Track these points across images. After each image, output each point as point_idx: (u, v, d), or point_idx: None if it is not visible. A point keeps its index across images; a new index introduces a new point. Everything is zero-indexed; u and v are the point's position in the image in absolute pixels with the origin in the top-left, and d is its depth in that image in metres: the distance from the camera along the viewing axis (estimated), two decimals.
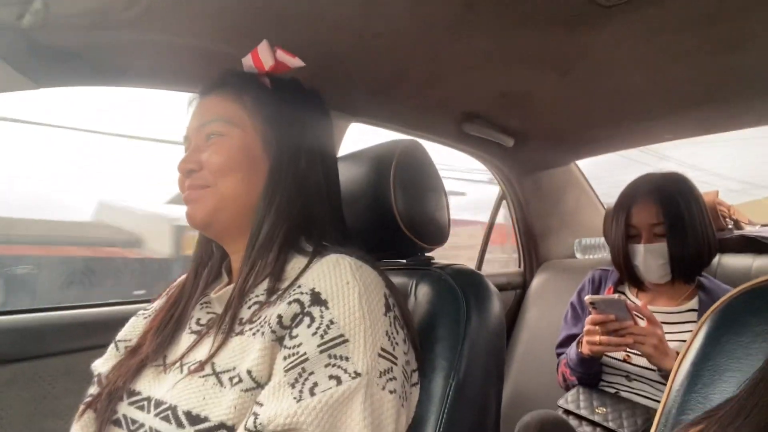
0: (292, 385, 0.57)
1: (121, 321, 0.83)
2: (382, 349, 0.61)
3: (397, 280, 0.80)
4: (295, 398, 0.56)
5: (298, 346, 0.60)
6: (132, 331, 0.81)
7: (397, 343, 0.64)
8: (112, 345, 0.80)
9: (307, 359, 0.58)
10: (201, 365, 0.64)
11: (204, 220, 0.74)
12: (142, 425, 0.65)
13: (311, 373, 0.58)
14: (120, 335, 0.82)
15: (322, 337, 0.59)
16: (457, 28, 0.98)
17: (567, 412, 1.32)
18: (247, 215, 0.74)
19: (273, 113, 0.76)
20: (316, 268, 0.66)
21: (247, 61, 0.78)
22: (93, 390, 0.76)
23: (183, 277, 0.85)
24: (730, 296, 0.51)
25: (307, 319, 0.61)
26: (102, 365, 0.78)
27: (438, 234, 0.92)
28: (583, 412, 1.27)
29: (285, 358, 0.60)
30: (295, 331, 0.61)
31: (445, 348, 0.71)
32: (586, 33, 1.01)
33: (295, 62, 0.79)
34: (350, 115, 1.32)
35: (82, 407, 0.74)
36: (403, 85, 1.22)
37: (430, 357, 0.71)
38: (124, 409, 0.69)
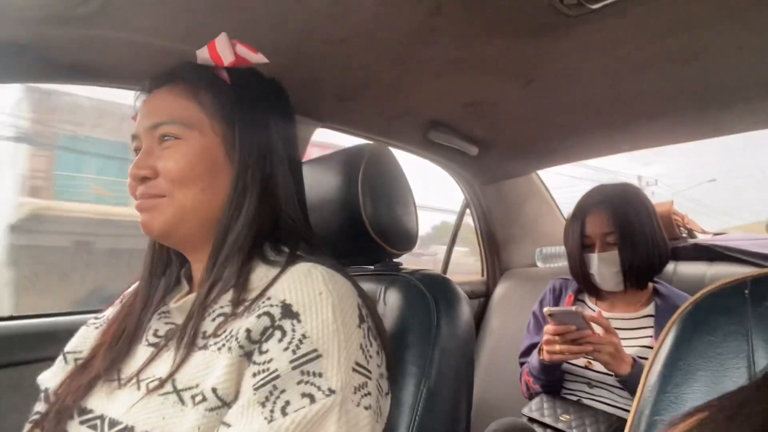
0: (263, 404, 0.54)
1: (70, 332, 0.78)
2: (357, 364, 0.59)
3: (365, 286, 0.79)
4: (266, 418, 0.53)
5: (269, 362, 0.56)
6: (82, 342, 0.75)
7: (371, 356, 0.62)
8: (61, 357, 0.74)
9: (278, 376, 0.55)
10: (161, 383, 0.59)
11: (162, 231, 0.68)
12: None
13: (283, 391, 0.54)
14: (69, 347, 0.75)
15: (294, 352, 0.56)
16: (423, 35, 0.98)
17: (531, 420, 1.32)
18: (211, 224, 0.69)
19: (234, 112, 0.70)
20: (286, 278, 0.62)
21: (203, 54, 0.71)
22: (40, 407, 0.70)
23: (136, 284, 0.79)
24: (697, 297, 0.52)
25: (278, 333, 0.57)
26: (49, 380, 0.72)
27: (406, 239, 0.91)
28: (547, 420, 1.28)
29: (254, 375, 0.56)
30: (265, 346, 0.57)
31: (415, 355, 0.70)
32: (551, 42, 1.03)
33: (257, 58, 0.72)
34: (316, 121, 1.30)
35: (28, 426, 0.68)
36: (369, 91, 1.21)
37: (400, 364, 0.70)
38: (75, 428, 0.63)
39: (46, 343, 0.90)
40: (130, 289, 0.80)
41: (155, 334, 0.70)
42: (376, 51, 1.03)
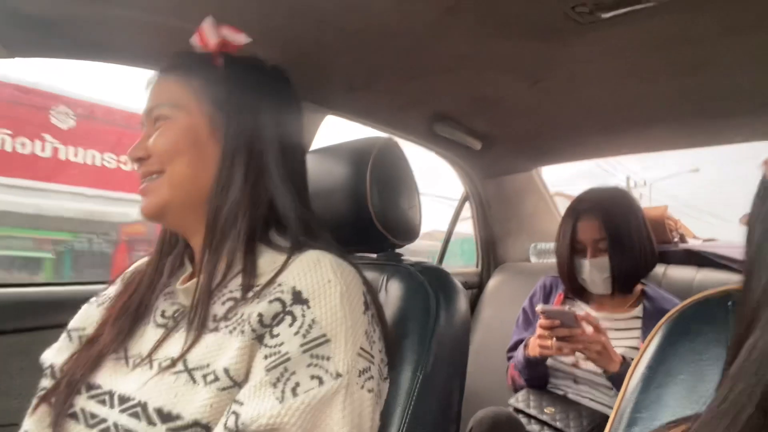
0: (274, 385, 0.57)
1: (76, 301, 0.80)
2: (362, 349, 0.62)
3: (368, 274, 0.82)
4: (277, 398, 0.56)
5: (280, 345, 0.59)
6: (85, 319, 0.77)
7: (374, 341, 0.65)
8: (65, 334, 0.76)
9: (289, 359, 0.58)
10: (173, 362, 0.62)
11: (155, 211, 0.71)
12: (104, 420, 0.62)
13: (293, 373, 0.57)
14: (72, 324, 0.77)
15: (304, 336, 0.59)
16: (437, 31, 1.00)
17: (517, 410, 1.37)
18: (201, 203, 0.71)
19: (222, 95, 0.72)
20: (295, 265, 0.65)
21: (195, 41, 0.74)
22: (46, 383, 0.72)
23: (140, 262, 0.82)
24: (684, 305, 0.55)
25: (288, 318, 0.60)
26: (54, 356, 0.74)
27: (410, 231, 0.94)
28: (532, 411, 1.33)
29: (266, 357, 0.59)
30: (276, 330, 0.60)
31: (414, 342, 0.74)
32: (560, 46, 1.06)
33: (240, 38, 0.74)
34: (326, 108, 1.32)
35: (35, 401, 0.70)
36: (380, 81, 1.23)
37: (399, 351, 0.73)
38: (83, 402, 0.66)
39: (53, 312, 0.93)
40: (131, 268, 0.82)
41: (163, 315, 0.72)
42: (390, 43, 1.05)
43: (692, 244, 1.81)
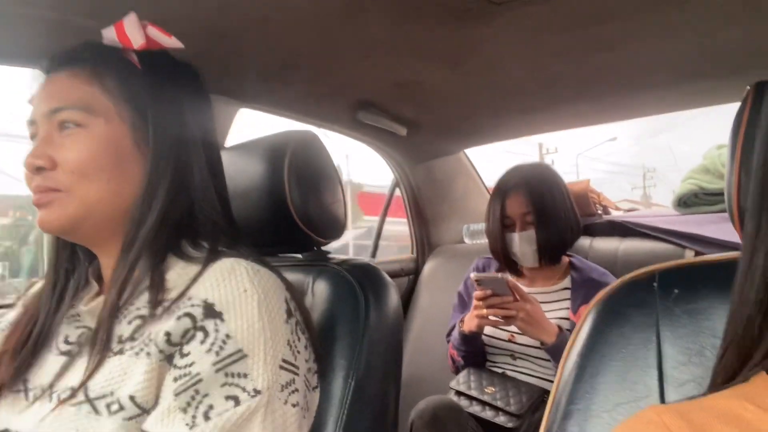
0: (184, 410, 0.52)
1: None
2: (284, 361, 0.57)
3: (293, 276, 0.77)
4: (187, 424, 0.51)
5: (190, 365, 0.53)
6: None
7: (298, 351, 0.61)
8: None
9: (200, 380, 0.53)
10: (72, 392, 0.55)
11: (63, 227, 0.62)
12: None
13: (206, 395, 0.52)
14: None
15: (217, 354, 0.54)
16: (351, 15, 0.96)
17: (458, 393, 1.38)
18: (119, 218, 0.63)
19: (143, 97, 0.64)
20: (208, 276, 0.59)
21: (110, 35, 0.65)
22: None
23: (39, 284, 0.73)
24: (611, 288, 0.55)
25: (200, 335, 0.55)
26: None
27: (334, 227, 0.89)
28: (473, 393, 1.33)
29: (175, 380, 0.53)
30: (186, 349, 0.54)
31: (344, 347, 0.70)
32: (476, 27, 1.04)
33: (172, 42, 0.67)
34: (239, 101, 1.24)
35: None
36: (295, 70, 1.17)
37: (329, 357, 0.70)
38: None
39: None
40: (32, 290, 0.74)
41: (66, 341, 0.64)
42: (301, 30, 0.99)
43: (615, 215, 1.88)
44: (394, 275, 1.95)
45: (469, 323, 1.37)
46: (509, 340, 1.41)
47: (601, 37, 1.10)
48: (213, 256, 0.63)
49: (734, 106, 0.54)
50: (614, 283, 0.55)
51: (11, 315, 0.72)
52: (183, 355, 0.54)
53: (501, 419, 1.25)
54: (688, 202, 1.67)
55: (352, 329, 0.71)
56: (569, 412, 0.49)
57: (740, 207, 0.50)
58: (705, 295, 0.49)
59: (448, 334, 1.60)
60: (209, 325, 0.55)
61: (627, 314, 0.51)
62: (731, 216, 0.52)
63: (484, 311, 1.30)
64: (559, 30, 1.07)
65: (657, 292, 0.51)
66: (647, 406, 0.36)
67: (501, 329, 1.42)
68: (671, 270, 0.52)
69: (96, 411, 0.54)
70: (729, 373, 0.37)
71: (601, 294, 0.55)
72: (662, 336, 0.48)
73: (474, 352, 1.45)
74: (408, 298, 2.07)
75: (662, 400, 0.46)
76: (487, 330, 1.44)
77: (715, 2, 0.97)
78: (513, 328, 1.34)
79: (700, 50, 1.19)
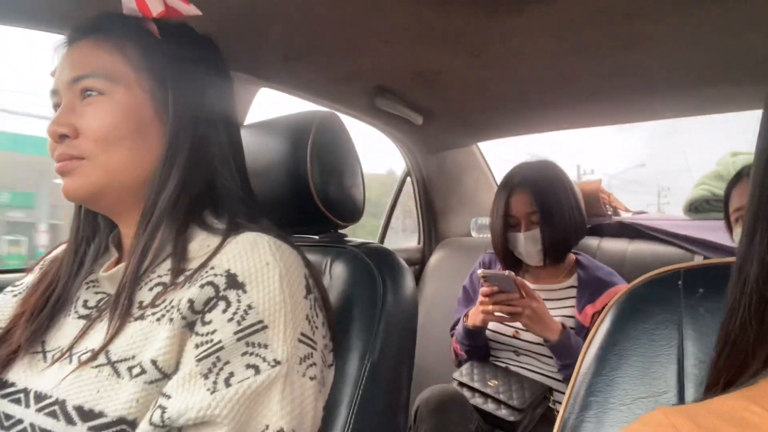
0: (206, 376, 0.52)
1: None
2: (303, 334, 0.58)
3: (311, 257, 0.77)
4: (209, 389, 0.51)
5: (212, 333, 0.54)
6: (1, 311, 0.70)
7: (316, 327, 0.62)
8: None
9: (222, 347, 0.54)
10: (94, 354, 0.56)
11: (87, 196, 0.63)
12: (19, 421, 0.56)
13: (227, 363, 0.53)
14: None
15: (239, 323, 0.54)
16: (377, 0, 0.95)
17: (461, 384, 1.39)
18: (140, 186, 0.64)
19: (163, 67, 0.65)
20: (230, 247, 0.60)
21: (129, 3, 0.65)
22: None
23: (58, 249, 0.74)
24: (634, 284, 0.55)
25: (222, 304, 0.55)
26: None
27: (353, 211, 0.90)
28: (476, 385, 1.34)
29: (197, 346, 0.54)
30: (208, 317, 0.55)
31: (361, 329, 0.70)
32: (501, 19, 1.03)
33: (190, 9, 0.67)
34: (260, 80, 1.24)
35: None
36: (317, 52, 1.17)
37: (345, 337, 0.70)
38: None
39: None
40: (51, 255, 0.74)
41: (85, 305, 0.66)
42: (326, 11, 0.99)
43: (624, 217, 1.88)
44: None
45: (474, 318, 1.38)
46: (513, 336, 1.42)
47: (627, 34, 1.10)
48: (234, 228, 0.64)
49: (751, 114, 0.54)
50: (637, 279, 0.55)
51: (28, 279, 0.73)
52: (205, 323, 0.55)
53: (503, 412, 1.26)
54: (699, 207, 1.67)
55: (369, 312, 0.72)
56: (588, 403, 0.49)
57: None
58: None
59: (452, 328, 1.61)
60: (231, 295, 0.56)
61: (650, 311, 0.51)
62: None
63: (490, 307, 1.30)
64: (585, 25, 1.06)
65: (681, 290, 0.51)
66: (659, 406, 0.36)
67: (506, 325, 1.42)
68: (697, 269, 0.52)
69: (117, 374, 0.55)
70: (726, 379, 0.37)
71: (624, 290, 0.56)
72: (685, 334, 0.49)
73: (477, 347, 1.45)
74: None
75: (681, 397, 0.47)
76: (491, 325, 1.44)
77: (739, 5, 0.96)
78: (518, 324, 1.34)
79: (722, 54, 1.18)
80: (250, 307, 0.55)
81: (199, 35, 0.71)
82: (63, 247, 0.73)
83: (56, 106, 0.66)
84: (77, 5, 0.84)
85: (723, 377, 0.37)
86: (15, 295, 0.71)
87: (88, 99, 0.63)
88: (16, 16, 0.88)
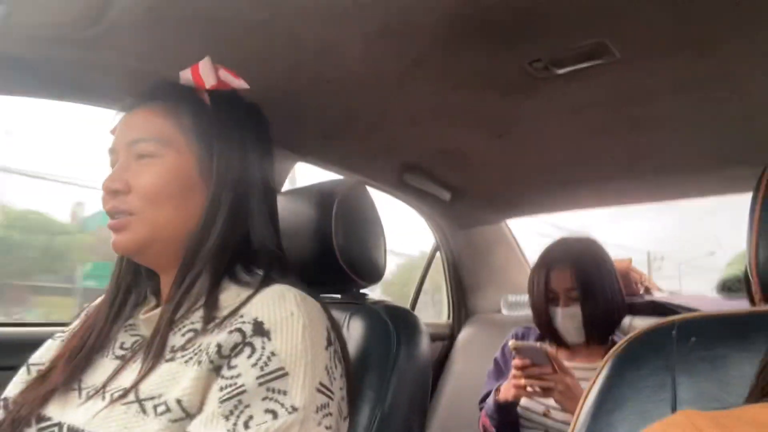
0: (227, 418, 0.55)
1: (37, 343, 0.78)
2: (321, 384, 0.60)
3: (332, 313, 0.82)
4: (228, 430, 0.54)
5: (237, 377, 0.57)
6: (46, 353, 0.75)
7: (335, 378, 0.64)
8: (24, 368, 0.74)
9: (244, 391, 0.56)
10: (125, 392, 0.60)
11: (135, 250, 0.69)
12: None
13: (247, 406, 0.56)
14: (33, 358, 0.75)
15: (262, 369, 0.57)
16: (404, 82, 1.05)
17: None
18: (183, 241, 0.70)
19: (211, 133, 0.71)
20: (259, 297, 0.64)
21: (186, 75, 0.73)
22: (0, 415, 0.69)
23: (100, 298, 0.79)
24: (632, 336, 0.57)
25: (247, 350, 0.59)
26: (10, 390, 0.71)
27: (375, 272, 0.95)
28: None
29: (221, 389, 0.57)
30: (234, 361, 0.58)
31: (373, 380, 0.73)
32: (518, 101, 1.11)
33: (240, 83, 0.74)
34: (297, 155, 1.34)
35: None
36: (350, 130, 1.27)
37: (358, 387, 0.72)
38: None
39: (13, 353, 0.89)
40: (95, 303, 0.80)
41: (122, 347, 0.70)
42: (360, 93, 1.09)
43: (657, 296, 1.85)
44: None
45: (506, 392, 1.33)
46: (544, 415, 1.37)
47: (639, 116, 1.15)
48: (266, 282, 0.68)
49: None
50: (636, 331, 0.58)
51: (74, 324, 0.79)
52: (230, 367, 0.58)
53: None
54: (732, 287, 1.63)
55: (382, 363, 0.74)
56: None
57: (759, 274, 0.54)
58: (723, 343, 0.51)
59: (482, 401, 1.57)
60: (257, 341, 0.59)
61: (645, 357, 0.53)
62: (750, 278, 0.55)
63: (522, 381, 1.25)
64: (598, 108, 1.13)
65: (675, 339, 0.53)
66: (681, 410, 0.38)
67: (537, 401, 1.38)
68: (690, 320, 0.55)
69: (144, 411, 0.58)
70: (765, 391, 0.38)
71: (623, 341, 0.58)
72: (677, 380, 0.50)
73: (508, 423, 1.40)
74: (441, 363, 2.05)
75: None
76: (523, 402, 1.40)
77: (753, 88, 1.01)
78: (550, 401, 1.30)
79: (739, 135, 1.21)
80: (273, 354, 0.58)
81: (246, 103, 0.79)
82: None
83: (113, 164, 0.73)
84: (135, 86, 0.96)
85: (765, 387, 0.39)
86: (62, 340, 0.76)
87: (141, 160, 0.69)
88: (92, 97, 1.02)
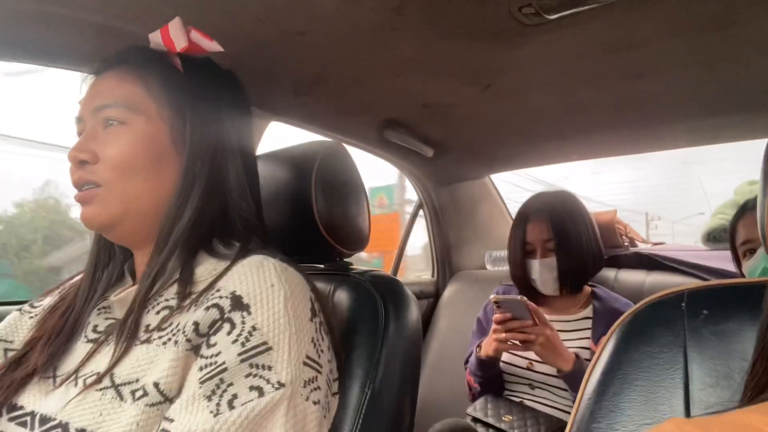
0: (209, 398, 0.52)
1: None
2: (308, 357, 0.58)
3: (315, 284, 0.78)
4: (212, 412, 0.51)
5: (216, 355, 0.54)
6: (13, 330, 0.70)
7: (322, 351, 0.61)
8: None
9: (225, 369, 0.53)
10: (99, 378, 0.56)
11: (104, 224, 0.65)
12: None
13: (230, 384, 0.53)
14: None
15: (243, 345, 0.54)
16: (383, 34, 0.97)
17: (475, 420, 1.35)
18: (156, 216, 0.65)
19: (183, 99, 0.67)
20: (236, 270, 0.60)
21: (156, 38, 0.68)
22: None
23: (79, 276, 0.75)
24: (637, 307, 0.53)
25: (226, 326, 0.55)
26: None
27: (358, 240, 0.90)
28: (490, 420, 1.30)
29: (201, 369, 0.54)
30: (213, 339, 0.55)
31: (362, 356, 0.70)
32: (508, 49, 1.05)
33: (213, 46, 0.70)
34: (270, 114, 1.27)
35: None
36: (326, 86, 1.19)
37: (346, 365, 0.69)
38: (3, 425, 0.60)
39: None
40: (73, 281, 0.76)
41: (95, 330, 0.66)
42: (335, 46, 1.01)
43: (641, 247, 1.85)
44: None
45: (487, 348, 1.35)
46: (528, 368, 1.38)
47: (632, 64, 1.10)
48: (242, 254, 0.64)
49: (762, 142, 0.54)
50: (641, 302, 0.54)
51: (46, 301, 0.74)
52: (209, 346, 0.55)
53: None
54: (717, 237, 1.63)
55: (370, 339, 0.71)
56: (591, 430, 0.48)
57: None
58: (735, 317, 0.47)
59: (466, 361, 1.57)
60: (236, 316, 0.56)
61: (653, 334, 0.50)
62: (763, 239, 0.51)
63: (503, 335, 1.27)
64: (589, 56, 1.07)
65: (685, 312, 0.49)
66: (672, 417, 0.35)
67: (519, 356, 1.39)
68: (700, 291, 0.51)
69: (121, 397, 0.55)
70: (759, 386, 0.36)
71: (626, 314, 0.54)
72: (689, 357, 0.47)
73: (491, 379, 1.42)
74: (427, 321, 2.05)
75: None
76: (505, 357, 1.41)
77: (744, 31, 0.96)
78: (531, 355, 1.31)
79: (729, 82, 1.18)
80: (254, 328, 0.55)
81: (221, 70, 0.73)
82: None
83: (80, 133, 0.68)
84: (103, 45, 0.88)
85: (756, 387, 0.38)
86: (31, 317, 0.72)
87: (109, 128, 0.65)
88: (47, 56, 0.92)
